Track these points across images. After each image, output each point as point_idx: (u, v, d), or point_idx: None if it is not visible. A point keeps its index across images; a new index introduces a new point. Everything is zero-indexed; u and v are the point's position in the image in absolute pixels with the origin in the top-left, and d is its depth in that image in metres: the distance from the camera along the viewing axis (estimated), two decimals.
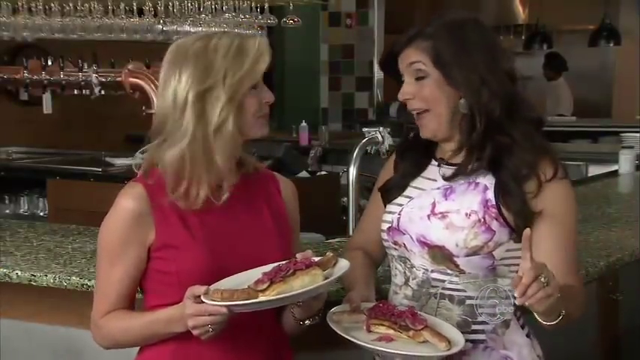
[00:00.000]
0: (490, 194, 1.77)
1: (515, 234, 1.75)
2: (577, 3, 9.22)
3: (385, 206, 1.92)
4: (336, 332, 1.70)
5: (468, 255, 1.76)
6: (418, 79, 1.79)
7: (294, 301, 1.70)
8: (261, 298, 1.58)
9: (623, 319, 3.29)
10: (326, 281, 1.64)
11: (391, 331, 1.71)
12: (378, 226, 1.92)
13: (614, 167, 4.95)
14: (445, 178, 1.83)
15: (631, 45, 8.74)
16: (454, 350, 1.66)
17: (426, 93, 1.78)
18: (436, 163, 1.87)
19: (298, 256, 1.67)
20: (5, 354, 2.55)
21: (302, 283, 1.61)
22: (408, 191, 1.88)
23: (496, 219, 1.76)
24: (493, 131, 1.77)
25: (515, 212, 1.75)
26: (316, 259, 1.68)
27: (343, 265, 1.70)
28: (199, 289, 1.59)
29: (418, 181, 1.88)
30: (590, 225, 3.07)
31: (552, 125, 7.32)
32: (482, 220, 1.75)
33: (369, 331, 1.72)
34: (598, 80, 9.46)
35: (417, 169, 1.89)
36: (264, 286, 1.59)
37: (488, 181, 1.79)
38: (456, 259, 1.77)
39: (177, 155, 1.68)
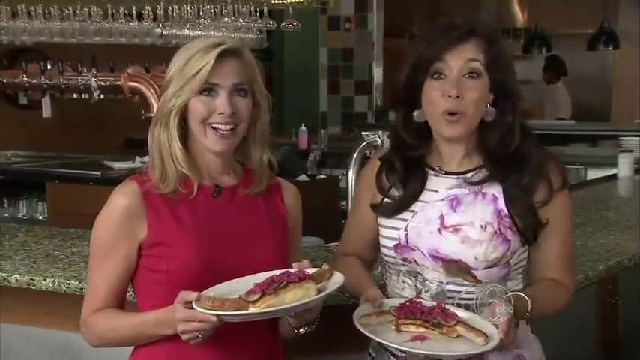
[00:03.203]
0: (501, 204, 1.77)
1: (524, 239, 1.78)
2: (576, 7, 9.21)
3: (378, 218, 1.86)
4: (368, 336, 1.67)
5: (487, 267, 1.75)
6: (471, 77, 1.73)
7: (284, 314, 1.69)
8: (251, 309, 1.57)
9: (622, 323, 3.29)
10: (318, 296, 1.61)
11: (422, 329, 1.68)
12: (370, 233, 1.89)
13: (612, 171, 4.96)
14: (471, 183, 1.78)
15: (630, 49, 8.73)
16: (491, 345, 1.63)
17: (476, 95, 1.73)
18: (433, 173, 1.83)
19: (295, 266, 1.66)
20: (5, 358, 2.55)
21: (294, 297, 1.59)
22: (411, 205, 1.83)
23: (510, 228, 1.76)
24: (513, 141, 1.77)
25: (527, 225, 1.76)
26: (312, 270, 1.66)
27: (338, 279, 1.67)
28: (190, 295, 1.59)
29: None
30: (589, 229, 3.07)
31: (551, 129, 7.31)
32: (499, 231, 1.75)
33: (398, 331, 1.69)
34: (597, 84, 9.44)
35: (421, 185, 1.82)
36: (255, 297, 1.57)
37: (495, 190, 1.78)
38: (474, 271, 1.75)
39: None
